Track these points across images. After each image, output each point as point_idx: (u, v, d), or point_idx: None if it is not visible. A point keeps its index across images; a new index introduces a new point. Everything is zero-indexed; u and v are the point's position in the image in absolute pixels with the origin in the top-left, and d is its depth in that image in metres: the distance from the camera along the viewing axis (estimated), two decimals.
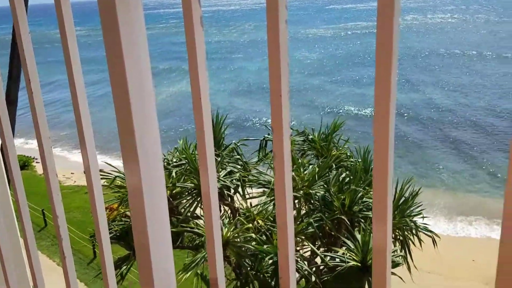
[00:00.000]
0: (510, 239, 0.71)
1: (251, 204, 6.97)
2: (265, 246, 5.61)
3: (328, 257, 5.66)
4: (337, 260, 5.64)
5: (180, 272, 5.63)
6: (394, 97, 0.64)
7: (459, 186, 20.29)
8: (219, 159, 6.88)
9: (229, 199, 6.92)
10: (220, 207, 7.06)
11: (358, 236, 5.41)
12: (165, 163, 6.78)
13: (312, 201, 6.49)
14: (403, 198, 6.85)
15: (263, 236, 5.87)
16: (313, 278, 5.87)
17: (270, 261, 5.52)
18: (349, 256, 5.29)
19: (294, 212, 6.46)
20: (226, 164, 6.88)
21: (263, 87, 39.03)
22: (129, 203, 0.77)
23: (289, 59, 0.70)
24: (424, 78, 38.56)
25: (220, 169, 6.80)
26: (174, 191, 6.54)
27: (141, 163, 0.73)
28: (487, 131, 26.01)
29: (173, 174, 6.58)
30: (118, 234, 6.54)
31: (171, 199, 6.53)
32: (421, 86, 35.70)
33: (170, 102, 36.85)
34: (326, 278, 5.62)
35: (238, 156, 7.40)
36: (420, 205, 7.49)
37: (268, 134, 9.09)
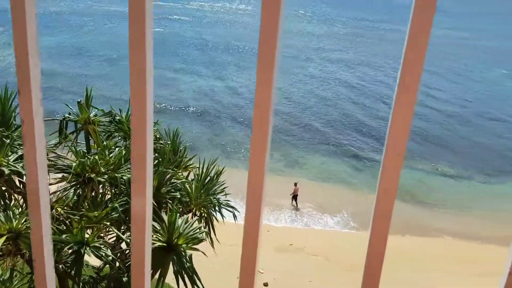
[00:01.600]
0: (378, 239, 0.81)
1: (49, 191, 6.34)
2: (64, 236, 5.19)
3: None
4: None
5: None
6: None
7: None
8: (8, 141, 6.02)
9: (22, 186, 6.14)
10: (10, 195, 6.21)
11: (165, 217, 5.48)
12: None
13: (118, 185, 6.26)
14: (208, 178, 7.20)
15: (62, 225, 5.43)
16: (117, 264, 5.72)
17: (70, 251, 5.15)
18: (156, 237, 5.32)
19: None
20: (17, 147, 6.07)
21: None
22: None
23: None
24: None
25: (10, 153, 5.97)
26: None
27: None
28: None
29: None
30: None
31: None
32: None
33: None
34: (130, 262, 5.53)
35: None
36: (224, 183, 7.97)
37: (69, 114, 8.35)
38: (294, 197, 18.92)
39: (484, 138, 27.14)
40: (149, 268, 0.93)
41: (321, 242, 16.60)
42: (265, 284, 13.70)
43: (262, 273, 14.28)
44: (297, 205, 18.96)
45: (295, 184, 19.00)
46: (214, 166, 7.33)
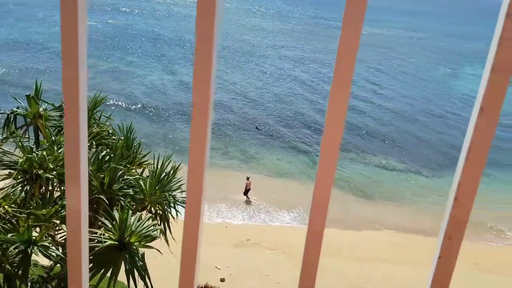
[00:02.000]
0: (316, 227, 0.83)
1: None
2: (9, 235, 4.98)
3: None
4: (95, 241, 5.48)
5: None
6: None
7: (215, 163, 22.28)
8: None
9: None
10: None
11: (117, 215, 5.37)
12: None
13: None
14: (164, 174, 7.10)
15: (8, 223, 5.20)
16: None
17: (16, 251, 4.95)
18: (107, 235, 5.21)
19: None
20: None
21: None
22: None
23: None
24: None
25: None
26: None
27: None
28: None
29: None
30: None
31: None
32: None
33: None
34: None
35: None
36: (181, 180, 7.89)
37: (18, 108, 7.99)
38: (246, 191, 19.08)
39: (428, 135, 28.34)
40: (86, 264, 0.93)
41: (278, 237, 16.80)
42: (222, 280, 13.72)
43: (219, 269, 14.29)
44: (248, 199, 19.11)
45: (247, 178, 19.20)
46: (169, 163, 7.24)
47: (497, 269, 15.64)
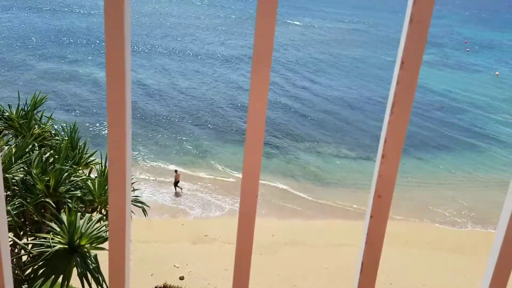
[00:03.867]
0: (246, 216, 0.80)
1: None
2: None
3: (31, 245, 5.18)
4: (44, 246, 5.24)
5: None
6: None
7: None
8: None
9: None
10: None
11: (65, 218, 5.15)
12: None
13: (10, 187, 5.75)
14: None
15: None
16: (16, 271, 5.28)
17: None
18: (56, 240, 4.99)
19: None
20: None
21: None
22: None
23: None
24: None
25: None
26: None
27: None
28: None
29: None
30: None
31: None
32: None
33: None
34: (31, 267, 5.14)
35: None
36: (131, 178, 7.65)
37: None
38: (176, 183, 18.96)
39: (376, 122, 29.32)
40: (9, 269, 0.86)
41: (236, 230, 16.83)
42: (181, 278, 13.56)
43: (178, 267, 14.13)
44: (176, 190, 19.00)
45: (176, 171, 19.11)
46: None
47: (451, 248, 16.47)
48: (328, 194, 20.00)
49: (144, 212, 7.51)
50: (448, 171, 23.02)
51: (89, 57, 37.27)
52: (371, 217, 0.82)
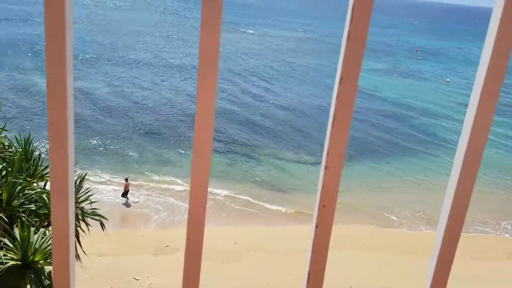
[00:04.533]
0: (195, 221, 0.80)
1: None
2: None
3: None
4: None
5: None
6: None
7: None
8: None
9: None
10: None
11: (18, 233, 4.95)
12: None
13: None
14: None
15: None
16: None
17: None
18: (8, 256, 4.78)
19: None
20: None
21: None
22: None
23: None
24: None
25: None
26: None
27: None
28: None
29: None
30: None
31: None
32: None
33: None
34: None
35: None
36: (89, 191, 7.50)
37: None
38: (125, 192, 18.57)
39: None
40: None
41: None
42: None
43: (138, 279, 13.82)
44: (127, 200, 18.60)
45: (126, 180, 18.72)
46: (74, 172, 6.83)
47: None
48: (288, 200, 20.20)
49: (102, 226, 7.32)
50: (398, 176, 23.84)
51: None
52: (316, 226, 0.85)
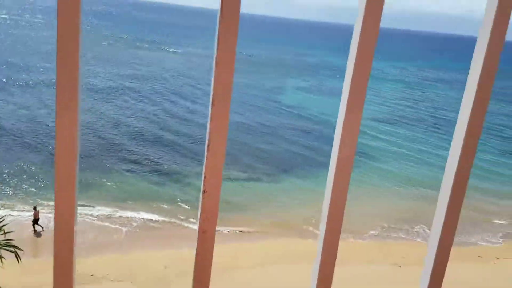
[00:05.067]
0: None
1: None
2: None
3: None
4: None
5: None
6: None
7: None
8: None
9: None
10: None
11: None
12: None
13: None
14: None
15: None
16: None
17: None
18: None
19: None
20: None
21: None
22: None
23: None
24: None
25: None
26: None
27: None
28: None
29: None
30: None
31: None
32: None
33: None
34: None
35: None
36: (2, 220, 6.96)
37: None
38: (35, 221, 17.48)
39: (263, 144, 30.46)
40: None
41: (123, 265, 15.87)
42: None
43: None
44: (35, 229, 17.50)
45: (35, 208, 17.67)
46: None
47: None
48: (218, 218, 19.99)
49: (17, 257, 6.77)
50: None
51: None
52: (197, 254, 0.83)
